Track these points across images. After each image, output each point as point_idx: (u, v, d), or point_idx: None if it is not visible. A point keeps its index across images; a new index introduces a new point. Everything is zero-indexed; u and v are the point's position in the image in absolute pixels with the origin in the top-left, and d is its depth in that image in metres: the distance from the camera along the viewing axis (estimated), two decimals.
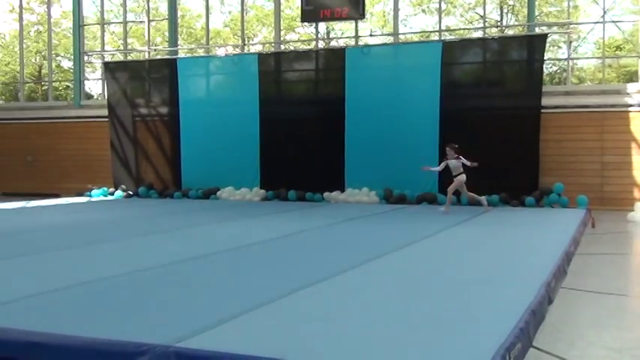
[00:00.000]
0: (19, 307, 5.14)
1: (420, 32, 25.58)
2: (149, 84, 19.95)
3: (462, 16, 28.72)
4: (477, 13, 28.06)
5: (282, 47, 21.36)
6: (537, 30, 18.43)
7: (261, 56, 18.71)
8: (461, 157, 13.63)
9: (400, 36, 19.87)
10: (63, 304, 5.32)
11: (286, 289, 5.76)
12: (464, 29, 24.82)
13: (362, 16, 18.54)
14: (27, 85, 26.45)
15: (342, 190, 17.13)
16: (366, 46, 18.21)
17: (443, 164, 13.95)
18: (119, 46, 25.25)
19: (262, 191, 17.75)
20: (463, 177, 13.67)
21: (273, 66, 18.76)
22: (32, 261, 7.62)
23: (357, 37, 20.34)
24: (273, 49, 20.62)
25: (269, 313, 4.95)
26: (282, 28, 21.91)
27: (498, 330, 4.35)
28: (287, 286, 5.92)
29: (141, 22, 23.88)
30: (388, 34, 22.03)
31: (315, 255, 8.12)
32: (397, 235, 10.24)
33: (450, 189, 13.90)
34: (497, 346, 4.01)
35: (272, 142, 17.98)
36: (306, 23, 22.54)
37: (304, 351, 3.98)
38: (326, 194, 17.08)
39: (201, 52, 22.62)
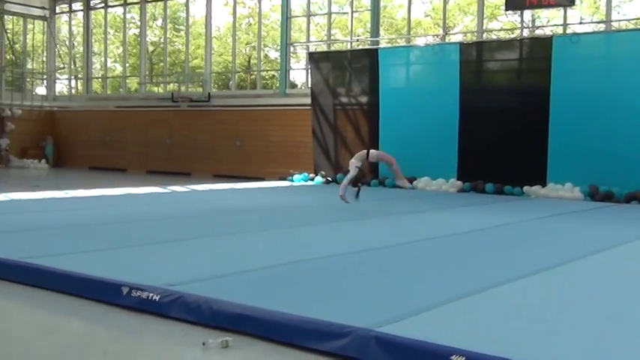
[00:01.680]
0: (233, 281, 5.52)
1: (635, 19, 23.80)
2: (350, 74, 20.38)
3: None
4: None
5: (484, 36, 20.89)
6: None
7: (462, 45, 18.41)
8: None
9: (613, 23, 18.64)
10: (272, 280, 5.64)
11: (487, 282, 5.67)
12: None
13: (572, 3, 17.64)
14: (237, 74, 28.14)
15: (544, 185, 16.45)
16: (575, 34, 17.28)
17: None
18: (323, 37, 26.04)
19: (459, 182, 17.52)
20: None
21: (474, 55, 18.39)
22: (242, 239, 8.13)
23: (565, 24, 19.37)
24: (474, 38, 20.23)
25: (470, 306, 4.91)
26: (484, 16, 21.41)
27: None
28: (487, 279, 5.83)
29: (344, 13, 24.45)
30: (599, 22, 20.77)
31: (514, 250, 7.90)
32: (605, 234, 9.66)
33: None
34: None
35: (471, 132, 17.66)
36: (510, 11, 21.82)
37: (505, 346, 3.90)
38: (526, 188, 16.51)
39: (401, 42, 22.70)
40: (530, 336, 4.16)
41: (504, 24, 27.59)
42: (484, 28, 21.37)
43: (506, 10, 19.62)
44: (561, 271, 6.47)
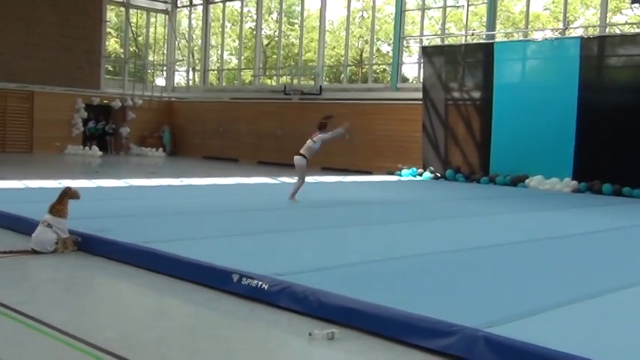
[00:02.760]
0: (340, 274, 5.54)
1: None
2: (464, 68, 20.03)
3: None
4: None
5: (607, 30, 19.99)
6: None
7: (583, 40, 17.69)
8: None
9: None
10: (379, 275, 5.62)
11: (601, 287, 5.44)
12: None
13: None
14: (349, 67, 28.23)
15: None
16: None
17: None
18: (437, 31, 25.71)
19: (574, 182, 16.87)
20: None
21: (595, 50, 17.63)
22: (349, 232, 8.16)
23: None
24: (597, 33, 19.41)
25: (584, 310, 4.73)
26: (608, 9, 20.48)
27: None
28: (602, 284, 5.59)
29: (459, 6, 24.02)
30: None
31: (630, 255, 7.52)
32: None
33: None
34: None
35: (589, 130, 16.95)
36: (636, 4, 20.78)
37: (621, 355, 3.73)
38: None
39: (518, 37, 22.09)
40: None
41: (630, 18, 26.33)
42: (607, 22, 20.44)
43: (632, 3, 18.70)
44: None
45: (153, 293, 5.47)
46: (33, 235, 6.58)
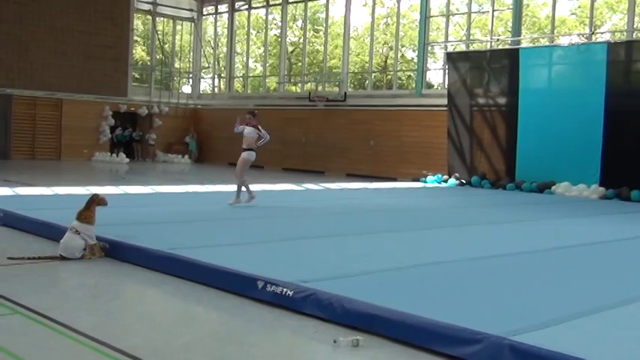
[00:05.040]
0: (365, 281, 5.54)
1: None
2: (489, 74, 19.92)
3: None
4: None
5: (635, 35, 19.77)
6: None
7: (610, 45, 17.51)
8: (259, 127, 11.48)
9: None
10: (403, 282, 5.61)
11: (629, 295, 5.37)
12: None
13: None
14: (373, 74, 28.24)
15: None
16: None
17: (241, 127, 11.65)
18: (462, 37, 25.61)
19: (601, 189, 16.67)
20: (252, 155, 11.60)
21: (623, 55, 17.44)
22: (374, 239, 8.13)
23: None
24: (624, 38, 19.20)
25: (611, 319, 4.68)
26: (635, 14, 20.26)
27: None
28: (629, 292, 5.53)
29: (484, 12, 23.94)
30: None
31: None
32: None
33: (238, 171, 11.55)
34: None
35: (617, 136, 16.75)
36: None
37: None
38: None
39: (544, 42, 21.93)
40: None
41: None
42: (635, 27, 20.21)
43: None
44: None
45: (179, 300, 5.52)
46: (61, 241, 6.67)
